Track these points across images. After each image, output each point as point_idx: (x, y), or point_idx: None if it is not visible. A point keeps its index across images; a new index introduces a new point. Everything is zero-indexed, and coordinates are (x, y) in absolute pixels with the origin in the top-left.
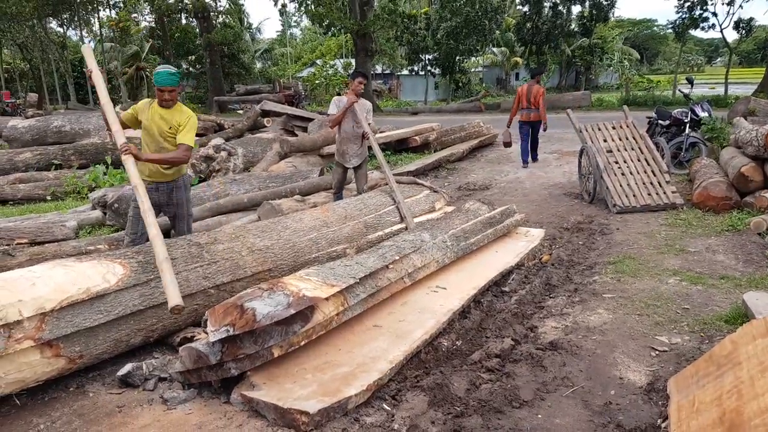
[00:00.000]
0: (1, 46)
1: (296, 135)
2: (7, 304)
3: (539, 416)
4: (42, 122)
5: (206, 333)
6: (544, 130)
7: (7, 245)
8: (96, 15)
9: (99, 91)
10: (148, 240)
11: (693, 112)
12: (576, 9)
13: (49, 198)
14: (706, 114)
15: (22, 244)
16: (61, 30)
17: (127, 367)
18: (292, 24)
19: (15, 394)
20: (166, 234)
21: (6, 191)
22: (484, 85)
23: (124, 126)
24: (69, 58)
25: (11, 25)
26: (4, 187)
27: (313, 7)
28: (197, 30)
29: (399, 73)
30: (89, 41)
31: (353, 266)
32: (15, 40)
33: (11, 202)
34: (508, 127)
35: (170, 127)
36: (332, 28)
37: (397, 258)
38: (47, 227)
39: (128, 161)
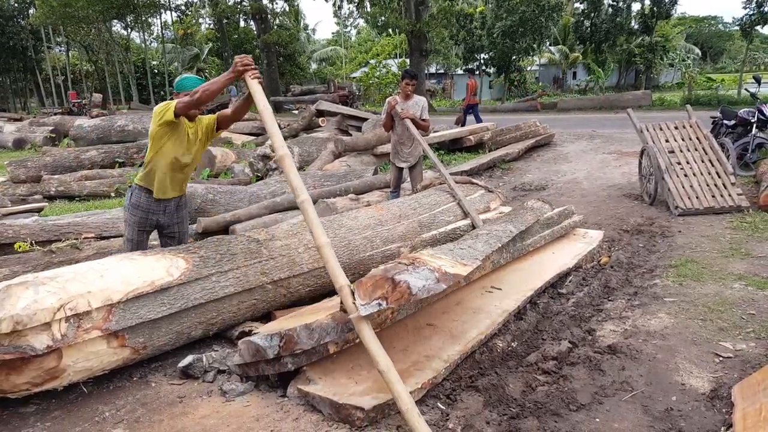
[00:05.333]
0: (69, 48)
1: (350, 134)
2: (77, 295)
3: (597, 420)
4: (106, 122)
5: (255, 328)
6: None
7: (75, 239)
8: (159, 17)
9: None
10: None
11: (760, 111)
12: (636, 6)
13: (113, 194)
14: None
15: (89, 238)
16: (125, 32)
17: (188, 359)
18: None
19: (82, 382)
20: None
21: (73, 188)
22: (540, 84)
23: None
24: (132, 60)
25: (79, 28)
26: (71, 183)
27: (368, 6)
28: (254, 32)
29: (453, 73)
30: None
31: (467, 249)
32: (81, 42)
33: (77, 198)
34: (464, 107)
35: (199, 138)
36: (388, 29)
37: (499, 246)
38: (112, 222)
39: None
